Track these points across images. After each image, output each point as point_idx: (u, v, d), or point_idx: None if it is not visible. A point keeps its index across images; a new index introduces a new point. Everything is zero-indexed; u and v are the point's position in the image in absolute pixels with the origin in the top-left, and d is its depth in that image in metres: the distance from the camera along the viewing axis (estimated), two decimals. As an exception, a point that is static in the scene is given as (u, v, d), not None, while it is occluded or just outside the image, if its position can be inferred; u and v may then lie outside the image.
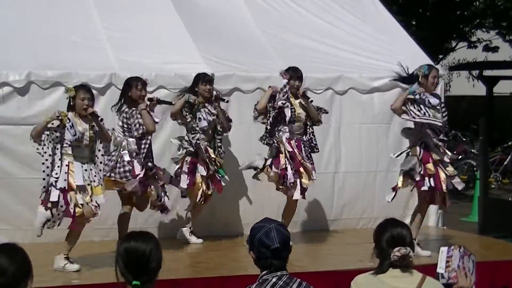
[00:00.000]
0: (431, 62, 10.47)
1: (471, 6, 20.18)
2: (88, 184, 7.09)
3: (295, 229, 8.81)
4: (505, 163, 17.15)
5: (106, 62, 8.94)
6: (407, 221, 7.57)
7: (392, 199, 8.21)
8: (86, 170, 7.12)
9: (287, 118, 8.31)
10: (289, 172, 8.21)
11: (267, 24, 10.40)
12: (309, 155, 8.45)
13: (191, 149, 8.37)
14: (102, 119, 7.22)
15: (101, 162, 7.29)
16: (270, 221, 4.11)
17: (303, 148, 8.40)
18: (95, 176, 7.15)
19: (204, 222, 9.01)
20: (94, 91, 8.32)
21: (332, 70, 9.69)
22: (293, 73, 8.49)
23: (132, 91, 7.92)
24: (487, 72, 17.20)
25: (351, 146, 9.78)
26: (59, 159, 7.07)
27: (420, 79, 8.15)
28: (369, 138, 9.85)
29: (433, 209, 9.84)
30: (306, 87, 8.75)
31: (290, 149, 8.31)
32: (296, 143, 8.38)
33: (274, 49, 9.96)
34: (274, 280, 4.00)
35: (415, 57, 10.45)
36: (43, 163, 7.05)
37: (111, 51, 9.16)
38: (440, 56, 20.30)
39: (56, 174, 7.01)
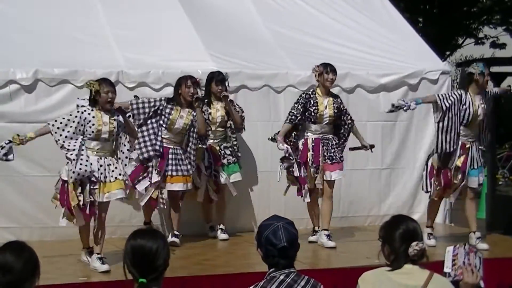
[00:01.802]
0: (438, 59, 10.48)
1: (478, 3, 20.16)
2: (101, 181, 7.05)
3: (302, 226, 8.79)
4: (513, 160, 17.14)
5: (112, 60, 8.94)
6: (414, 217, 7.56)
7: None
8: (102, 165, 7.07)
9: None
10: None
11: (273, 21, 10.39)
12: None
13: None
14: (130, 116, 7.22)
15: (126, 157, 7.24)
16: (279, 219, 4.09)
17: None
18: (113, 171, 7.09)
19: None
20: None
21: (339, 67, 9.66)
22: (326, 67, 8.43)
23: (182, 89, 8.12)
24: (494, 69, 17.15)
25: (357, 143, 9.76)
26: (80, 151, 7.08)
27: (476, 77, 8.24)
28: (375, 135, 9.84)
29: (440, 206, 9.84)
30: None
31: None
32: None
33: (280, 47, 9.95)
34: (282, 277, 4.00)
35: (422, 54, 10.46)
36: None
37: (118, 49, 9.16)
38: (447, 53, 20.28)
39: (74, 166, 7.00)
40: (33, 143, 8.21)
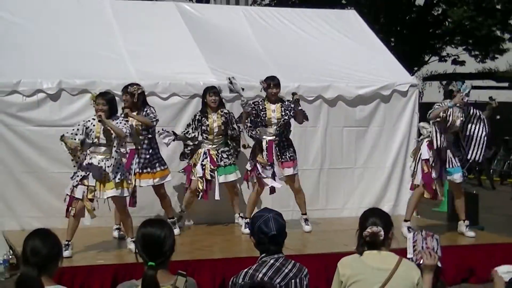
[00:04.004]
0: (407, 73, 10.51)
1: (442, 26, 20.24)
2: (98, 180, 7.03)
3: (288, 217, 8.79)
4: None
5: (126, 72, 8.94)
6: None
7: None
8: (101, 167, 7.04)
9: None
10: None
11: (266, 40, 10.40)
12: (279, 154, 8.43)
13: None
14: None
15: (113, 157, 7.08)
16: (269, 211, 4.12)
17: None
18: (109, 173, 7.03)
19: (210, 210, 9.03)
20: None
21: (323, 80, 9.70)
22: (270, 81, 8.46)
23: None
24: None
25: (334, 146, 9.81)
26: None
27: (454, 93, 8.24)
28: (350, 139, 9.88)
29: (407, 199, 9.87)
30: (300, 95, 8.72)
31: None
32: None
33: (271, 61, 9.95)
34: (271, 261, 4.01)
35: (393, 69, 10.48)
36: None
37: (130, 63, 9.17)
38: (415, 68, 20.31)
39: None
40: (57, 145, 8.22)
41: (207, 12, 10.79)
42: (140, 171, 8.01)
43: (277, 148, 8.37)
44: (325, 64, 10.18)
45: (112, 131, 7.01)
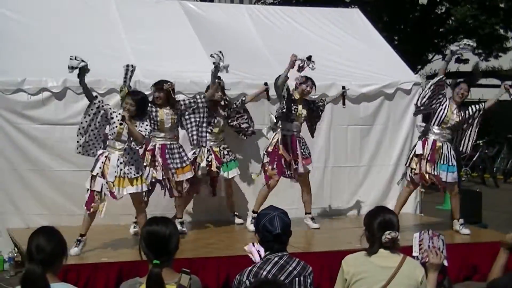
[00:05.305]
0: (411, 72, 10.49)
1: (446, 24, 20.20)
2: (120, 176, 6.99)
3: (292, 215, 8.76)
4: (474, 159, 17.17)
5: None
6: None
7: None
8: (121, 162, 7.00)
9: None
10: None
11: (269, 38, 10.39)
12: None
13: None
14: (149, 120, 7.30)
15: (128, 153, 7.06)
16: (275, 209, 4.12)
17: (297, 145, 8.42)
18: (130, 168, 7.01)
19: (215, 209, 9.04)
20: (119, 96, 8.34)
21: (325, 78, 9.68)
22: (307, 79, 8.54)
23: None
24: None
25: (338, 144, 9.79)
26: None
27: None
28: (354, 137, 9.86)
29: (411, 198, 9.83)
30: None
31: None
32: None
33: (275, 60, 9.94)
34: (276, 259, 4.01)
35: (397, 67, 10.46)
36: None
37: (135, 61, 9.11)
38: (419, 67, 20.26)
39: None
40: (62, 143, 8.22)
41: (211, 10, 10.78)
42: (180, 165, 7.99)
43: (299, 144, 8.45)
44: (329, 62, 10.15)
45: (132, 135, 6.99)
